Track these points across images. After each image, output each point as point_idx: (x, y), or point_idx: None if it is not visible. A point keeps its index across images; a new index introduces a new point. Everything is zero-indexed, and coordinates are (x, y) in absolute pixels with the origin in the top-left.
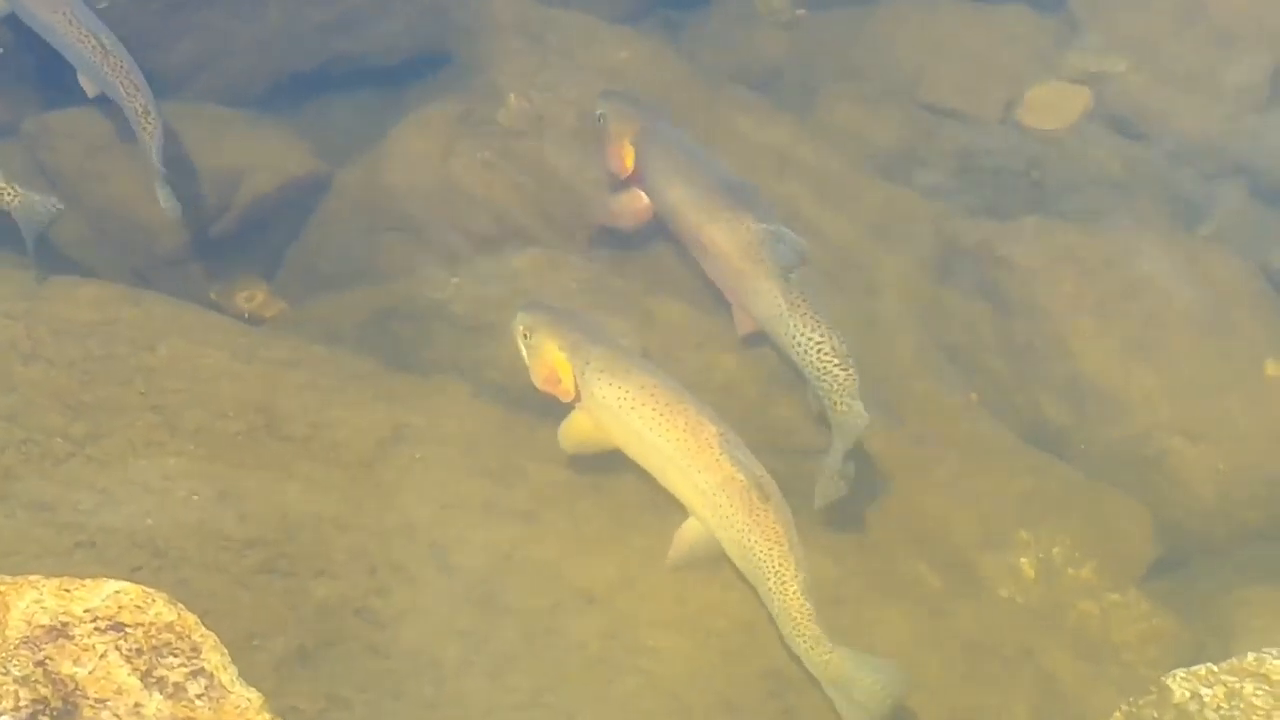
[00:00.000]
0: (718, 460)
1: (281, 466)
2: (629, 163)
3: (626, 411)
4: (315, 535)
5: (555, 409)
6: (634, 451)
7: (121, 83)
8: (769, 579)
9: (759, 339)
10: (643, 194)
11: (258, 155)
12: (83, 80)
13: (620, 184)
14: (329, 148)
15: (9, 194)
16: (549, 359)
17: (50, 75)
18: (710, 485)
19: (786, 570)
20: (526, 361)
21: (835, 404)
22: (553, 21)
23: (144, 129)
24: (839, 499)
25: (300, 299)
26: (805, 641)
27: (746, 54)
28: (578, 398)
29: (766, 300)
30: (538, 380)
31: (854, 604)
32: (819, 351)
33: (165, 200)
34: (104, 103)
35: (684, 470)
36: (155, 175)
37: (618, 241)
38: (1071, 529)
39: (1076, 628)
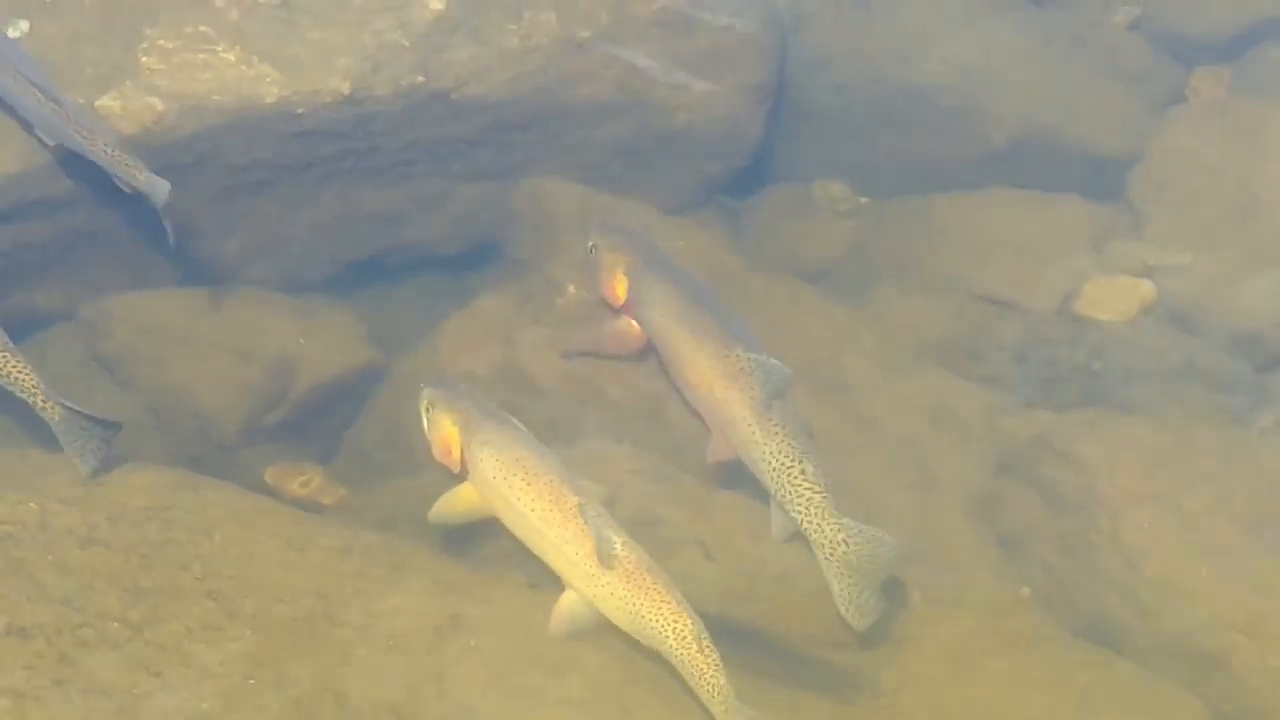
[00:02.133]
0: (583, 530)
1: (337, 654)
2: (621, 292)
3: (501, 483)
4: None
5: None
6: (510, 524)
7: (76, 129)
8: (668, 638)
9: (732, 467)
10: (634, 322)
11: (314, 343)
12: (40, 133)
13: (613, 312)
14: (386, 334)
15: (50, 409)
16: (444, 433)
17: (107, 261)
18: (580, 555)
19: (683, 625)
20: (425, 434)
21: (810, 528)
22: (610, 211)
23: (114, 161)
24: (878, 616)
25: (357, 485)
26: (717, 696)
27: (804, 244)
28: (465, 470)
29: (742, 428)
30: (435, 452)
31: None
32: (789, 476)
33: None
34: (163, 286)
35: (553, 542)
36: (136, 178)
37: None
38: None
39: None
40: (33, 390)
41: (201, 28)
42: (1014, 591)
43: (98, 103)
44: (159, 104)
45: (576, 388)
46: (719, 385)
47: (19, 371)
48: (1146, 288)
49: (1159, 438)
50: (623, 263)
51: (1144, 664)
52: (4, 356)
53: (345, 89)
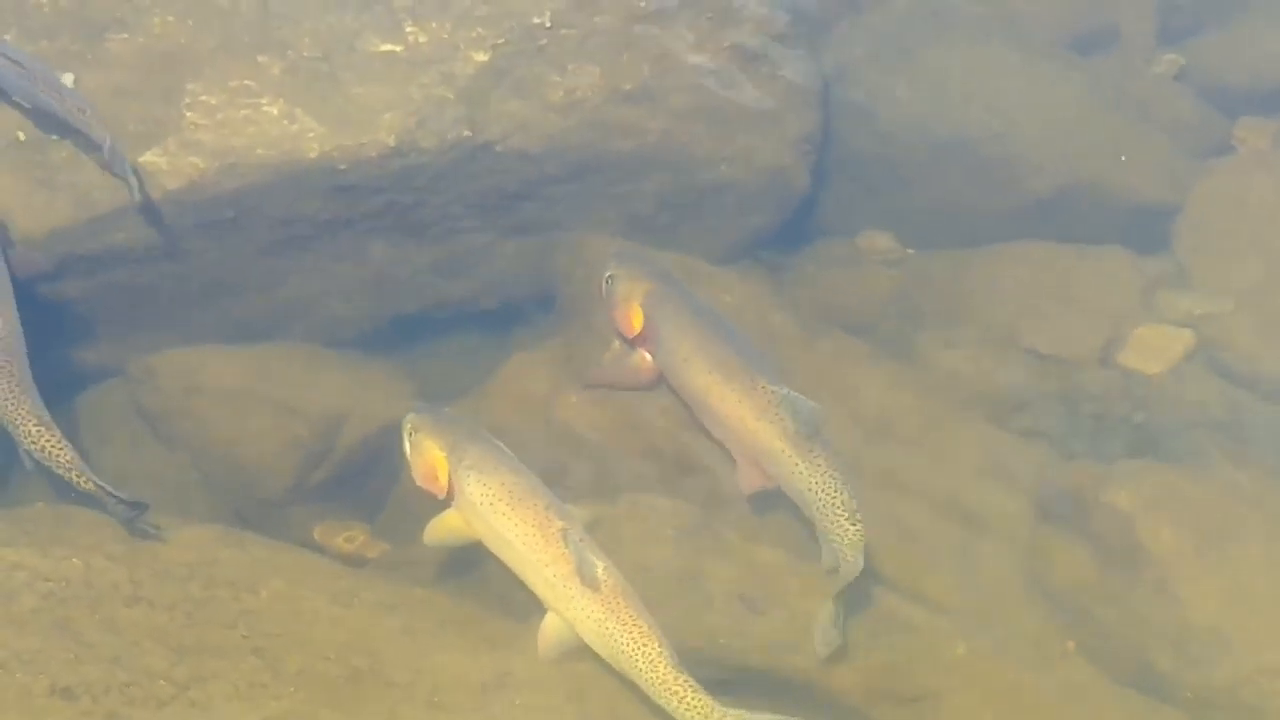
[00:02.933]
0: (563, 553)
1: (384, 711)
2: (637, 324)
3: (487, 508)
4: None
5: None
6: (495, 549)
7: (46, 92)
8: (638, 661)
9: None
10: (648, 355)
11: (360, 398)
12: (17, 99)
13: (628, 344)
14: (432, 390)
15: (83, 484)
16: (429, 457)
17: (152, 318)
18: (559, 578)
19: (651, 648)
20: (409, 458)
21: (844, 556)
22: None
23: (87, 125)
24: (836, 648)
25: (401, 541)
26: (698, 713)
27: (849, 296)
28: (451, 495)
29: (782, 460)
30: (417, 477)
31: None
32: (832, 507)
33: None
34: (208, 342)
35: (534, 565)
36: (115, 161)
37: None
38: None
39: None
40: (68, 466)
41: (246, 81)
42: (1060, 644)
43: (142, 158)
44: (202, 160)
45: (621, 441)
46: (750, 417)
47: (55, 447)
48: (1191, 338)
49: (1205, 489)
50: (639, 294)
51: (1191, 716)
52: (40, 430)
53: (390, 142)
